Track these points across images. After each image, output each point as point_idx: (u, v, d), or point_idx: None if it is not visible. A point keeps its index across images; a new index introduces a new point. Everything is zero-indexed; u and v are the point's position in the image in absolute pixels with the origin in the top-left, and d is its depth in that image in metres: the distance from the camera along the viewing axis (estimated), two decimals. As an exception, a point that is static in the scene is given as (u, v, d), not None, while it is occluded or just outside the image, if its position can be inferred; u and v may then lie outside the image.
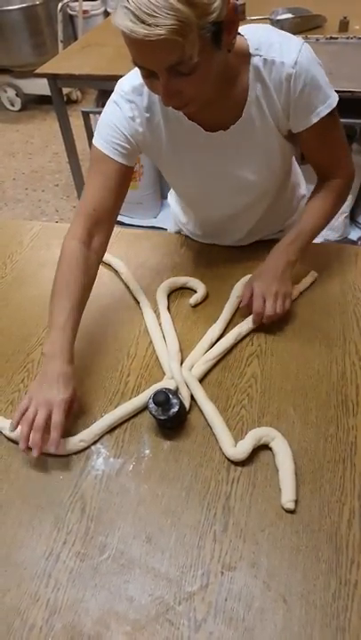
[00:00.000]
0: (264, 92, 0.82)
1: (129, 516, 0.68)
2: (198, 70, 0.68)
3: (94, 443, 0.77)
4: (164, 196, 2.62)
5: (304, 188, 1.15)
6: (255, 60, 0.80)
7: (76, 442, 0.76)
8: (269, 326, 0.92)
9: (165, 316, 0.95)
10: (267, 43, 0.80)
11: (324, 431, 0.76)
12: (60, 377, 0.77)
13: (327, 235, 2.22)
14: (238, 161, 0.91)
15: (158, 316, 0.96)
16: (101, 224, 0.88)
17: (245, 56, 0.80)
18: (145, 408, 0.79)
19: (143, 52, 0.67)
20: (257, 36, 0.80)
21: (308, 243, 0.95)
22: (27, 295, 1.05)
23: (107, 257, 1.11)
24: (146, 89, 0.83)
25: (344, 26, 2.07)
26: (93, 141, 0.88)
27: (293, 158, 1.06)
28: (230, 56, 0.76)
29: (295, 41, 0.80)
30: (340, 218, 2.20)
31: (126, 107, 0.85)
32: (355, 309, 0.95)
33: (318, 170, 0.97)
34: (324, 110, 0.83)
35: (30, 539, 0.66)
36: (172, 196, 1.23)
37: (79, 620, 0.59)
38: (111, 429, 0.78)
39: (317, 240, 0.97)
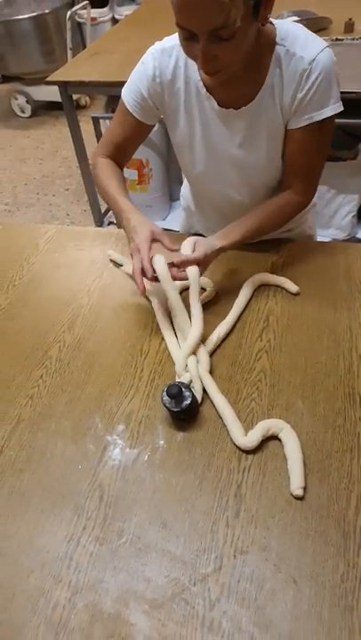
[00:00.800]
0: (280, 80, 0.85)
1: (145, 503, 0.71)
2: (236, 37, 0.72)
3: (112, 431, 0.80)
4: (172, 199, 2.66)
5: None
6: (278, 49, 0.83)
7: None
8: (278, 323, 0.95)
9: (196, 305, 0.92)
10: (293, 36, 0.83)
11: (332, 422, 0.78)
12: (144, 223, 0.92)
13: (335, 234, 2.23)
14: (243, 144, 0.94)
15: (169, 315, 0.99)
16: (120, 157, 1.05)
17: (271, 44, 0.83)
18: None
19: (191, 13, 0.70)
20: (286, 27, 0.84)
21: (242, 242, 0.96)
22: (43, 296, 1.09)
23: (119, 258, 1.14)
24: (175, 52, 0.88)
25: (349, 27, 2.10)
26: (122, 90, 0.97)
27: None
28: (259, 38, 0.80)
29: (320, 41, 0.84)
30: (348, 217, 2.21)
31: (150, 65, 0.90)
32: (361, 305, 0.97)
33: (286, 174, 0.98)
34: (316, 117, 0.86)
35: (52, 524, 0.70)
36: (185, 187, 1.26)
37: (100, 600, 0.62)
38: (127, 423, 0.82)
39: (325, 239, 1.00)
